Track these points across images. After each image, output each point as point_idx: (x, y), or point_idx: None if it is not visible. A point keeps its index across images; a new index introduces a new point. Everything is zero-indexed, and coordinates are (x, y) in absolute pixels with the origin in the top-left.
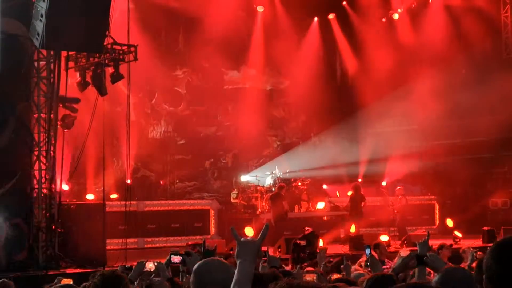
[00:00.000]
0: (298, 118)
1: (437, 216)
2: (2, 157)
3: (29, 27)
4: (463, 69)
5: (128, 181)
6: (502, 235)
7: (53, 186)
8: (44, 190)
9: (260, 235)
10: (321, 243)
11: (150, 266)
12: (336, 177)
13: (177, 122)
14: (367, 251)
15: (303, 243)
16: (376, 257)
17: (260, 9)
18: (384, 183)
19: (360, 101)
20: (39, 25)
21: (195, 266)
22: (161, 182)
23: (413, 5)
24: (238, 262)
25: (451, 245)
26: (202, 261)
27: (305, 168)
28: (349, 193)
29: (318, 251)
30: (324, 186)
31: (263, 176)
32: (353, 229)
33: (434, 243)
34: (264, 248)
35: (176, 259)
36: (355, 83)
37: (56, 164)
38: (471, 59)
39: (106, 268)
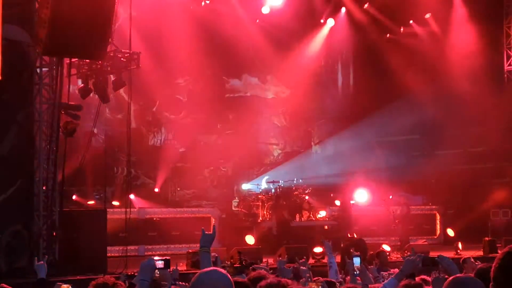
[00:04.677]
0: (299, 126)
1: (438, 226)
2: (3, 163)
3: (32, 33)
4: (467, 79)
5: (131, 195)
6: (504, 246)
7: (54, 193)
8: (45, 197)
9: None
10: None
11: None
12: (336, 186)
13: (178, 130)
14: (356, 260)
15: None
16: (374, 266)
17: (264, 10)
18: (391, 197)
19: (362, 110)
20: (42, 32)
21: (194, 277)
22: (156, 190)
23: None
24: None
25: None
26: (201, 271)
27: (304, 177)
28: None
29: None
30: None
31: (263, 185)
32: None
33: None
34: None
35: None
36: (356, 92)
37: (57, 171)
38: (475, 70)
39: (106, 276)
